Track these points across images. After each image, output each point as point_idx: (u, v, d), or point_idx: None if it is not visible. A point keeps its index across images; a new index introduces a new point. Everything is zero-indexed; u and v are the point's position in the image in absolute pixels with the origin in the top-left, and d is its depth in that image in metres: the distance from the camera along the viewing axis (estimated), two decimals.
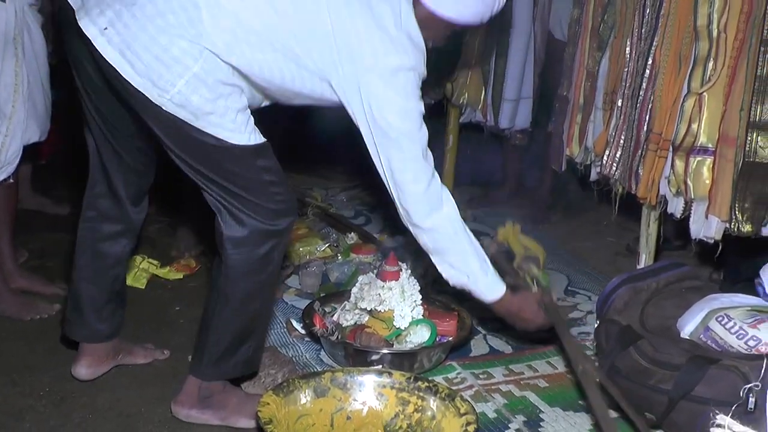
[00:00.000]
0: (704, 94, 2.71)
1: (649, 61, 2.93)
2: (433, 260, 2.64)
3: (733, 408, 2.23)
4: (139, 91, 2.22)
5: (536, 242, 3.00)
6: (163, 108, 2.22)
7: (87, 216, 2.66)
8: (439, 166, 4.41)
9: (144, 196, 2.71)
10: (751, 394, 2.22)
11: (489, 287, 2.68)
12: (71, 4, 2.30)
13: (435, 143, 4.45)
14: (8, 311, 3.12)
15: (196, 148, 2.33)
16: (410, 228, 2.61)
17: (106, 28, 2.23)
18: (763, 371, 2.22)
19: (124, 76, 2.22)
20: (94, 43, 2.23)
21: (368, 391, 2.49)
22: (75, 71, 2.45)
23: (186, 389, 2.52)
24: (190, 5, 2.18)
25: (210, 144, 2.28)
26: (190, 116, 2.24)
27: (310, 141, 5.14)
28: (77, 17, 2.26)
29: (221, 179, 2.37)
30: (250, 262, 2.42)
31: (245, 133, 2.31)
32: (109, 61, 2.22)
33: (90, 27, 2.23)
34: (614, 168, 3.07)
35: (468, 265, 2.61)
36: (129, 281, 3.34)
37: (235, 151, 2.31)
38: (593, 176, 3.27)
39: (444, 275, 2.64)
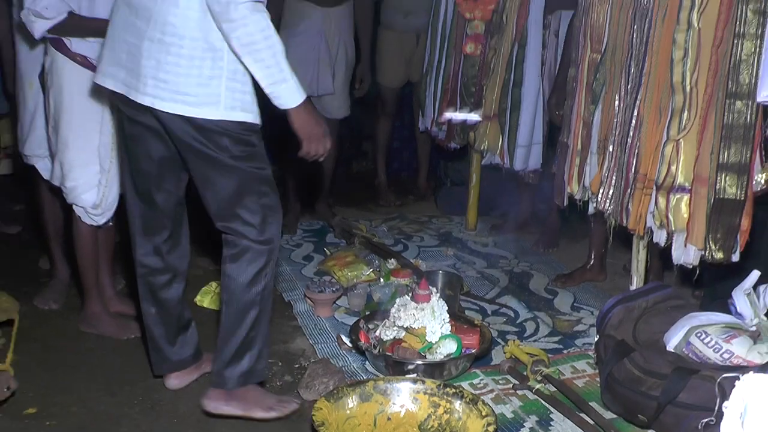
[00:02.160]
0: (681, 140, 2.68)
1: (635, 113, 2.90)
2: (245, 60, 2.30)
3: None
4: (201, 119, 2.28)
5: (536, 348, 2.95)
6: (227, 119, 2.30)
7: (140, 273, 2.63)
8: (464, 201, 4.49)
9: (181, 244, 2.67)
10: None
11: (295, 90, 2.34)
12: (120, 92, 2.35)
13: (462, 182, 4.53)
14: (108, 332, 3.15)
15: (222, 148, 2.35)
16: (228, 22, 2.26)
17: (148, 92, 2.28)
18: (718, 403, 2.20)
19: (186, 114, 2.27)
20: (153, 107, 2.28)
21: (405, 396, 2.50)
22: (134, 145, 2.48)
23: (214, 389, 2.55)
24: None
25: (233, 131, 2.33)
26: (241, 112, 2.33)
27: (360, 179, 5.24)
28: (130, 96, 2.31)
29: (237, 180, 2.38)
30: (249, 275, 2.44)
31: (256, 110, 2.39)
32: (169, 112, 2.27)
33: (144, 98, 2.28)
34: (608, 204, 3.03)
35: (280, 65, 2.30)
36: (206, 304, 3.42)
37: (252, 130, 2.38)
38: (591, 210, 3.23)
39: (257, 75, 2.32)
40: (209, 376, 2.61)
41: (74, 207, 3.04)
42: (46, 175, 3.24)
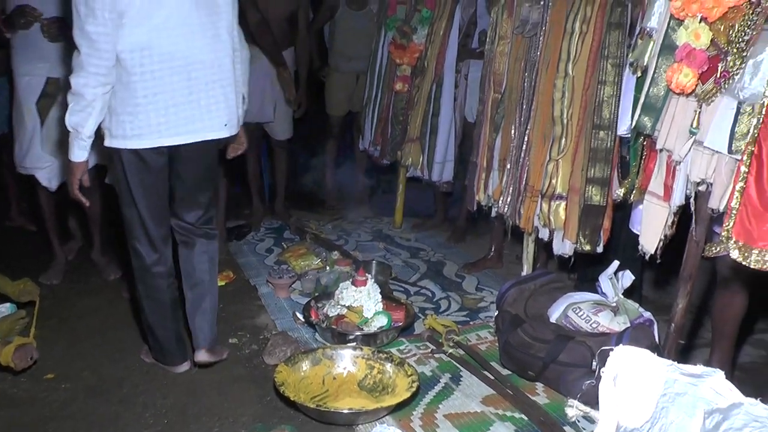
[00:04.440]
0: (560, 160, 2.75)
1: (526, 139, 2.95)
2: (245, 89, 2.36)
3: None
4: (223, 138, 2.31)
5: (448, 320, 2.91)
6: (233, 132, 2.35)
7: (160, 285, 2.41)
8: (393, 205, 4.50)
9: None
10: (594, 359, 2.26)
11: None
12: (200, 140, 2.26)
13: (391, 190, 4.54)
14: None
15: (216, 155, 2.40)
16: (247, 62, 2.41)
17: (226, 124, 2.28)
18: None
19: (228, 134, 2.31)
20: (216, 136, 2.28)
21: (347, 360, 2.51)
22: (157, 173, 2.29)
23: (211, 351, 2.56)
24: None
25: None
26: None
27: (308, 188, 5.20)
28: (207, 138, 2.25)
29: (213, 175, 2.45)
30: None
31: None
32: (220, 136, 2.29)
33: (222, 132, 2.28)
34: (505, 209, 3.08)
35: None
36: None
37: None
38: (493, 213, 3.27)
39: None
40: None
41: None
42: (44, 183, 3.20)
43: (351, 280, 2.95)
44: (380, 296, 2.91)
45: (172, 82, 2.15)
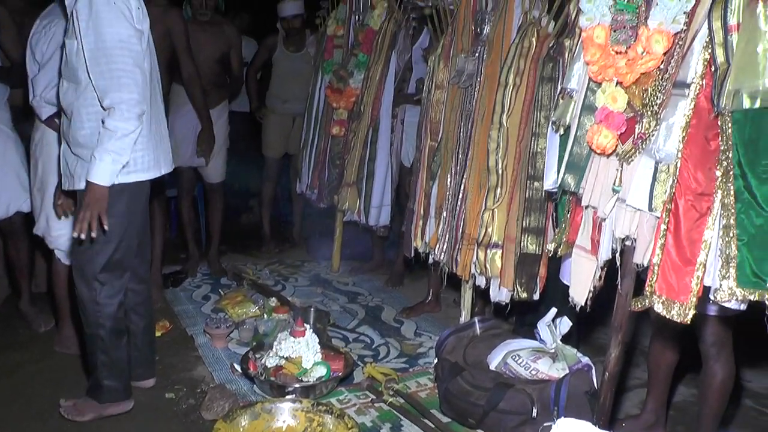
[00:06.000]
0: (495, 209, 2.79)
1: (462, 188, 2.99)
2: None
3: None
4: None
5: (388, 368, 2.95)
6: None
7: (118, 316, 2.51)
8: (330, 249, 4.49)
9: None
10: (534, 406, 2.30)
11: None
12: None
13: (328, 234, 4.54)
14: (76, 350, 3.05)
15: None
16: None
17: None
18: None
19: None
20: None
21: (286, 414, 2.48)
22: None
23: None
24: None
25: None
26: None
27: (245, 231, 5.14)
28: (176, 161, 2.69)
29: None
30: None
31: None
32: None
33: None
34: (442, 256, 3.10)
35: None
36: None
37: None
38: (430, 261, 3.28)
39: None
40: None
41: (56, 251, 2.96)
42: None
43: (289, 330, 2.91)
44: (319, 346, 2.88)
45: (158, 116, 2.47)
